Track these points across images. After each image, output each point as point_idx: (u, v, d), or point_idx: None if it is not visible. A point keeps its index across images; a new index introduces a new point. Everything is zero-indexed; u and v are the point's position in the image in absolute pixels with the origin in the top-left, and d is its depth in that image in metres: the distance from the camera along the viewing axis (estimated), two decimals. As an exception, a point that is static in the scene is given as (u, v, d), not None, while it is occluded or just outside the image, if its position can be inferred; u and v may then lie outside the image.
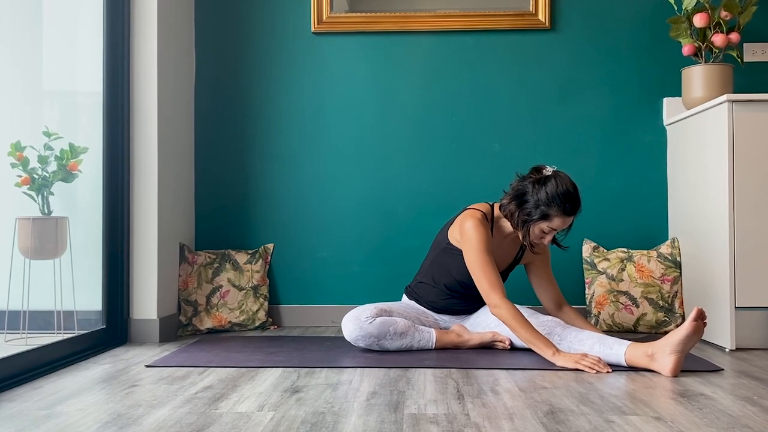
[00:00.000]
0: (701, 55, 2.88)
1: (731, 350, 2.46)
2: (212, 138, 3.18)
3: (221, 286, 2.99)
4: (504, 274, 2.56)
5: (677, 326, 2.76)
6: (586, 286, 2.96)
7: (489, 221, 2.44)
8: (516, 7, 3.12)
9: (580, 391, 1.88)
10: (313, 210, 3.15)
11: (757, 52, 3.06)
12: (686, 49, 2.89)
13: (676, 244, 2.94)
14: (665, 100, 3.08)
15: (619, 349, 2.15)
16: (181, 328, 2.91)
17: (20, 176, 2.46)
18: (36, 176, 2.48)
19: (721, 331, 2.51)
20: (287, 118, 3.17)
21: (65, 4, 2.92)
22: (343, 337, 2.55)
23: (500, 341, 2.43)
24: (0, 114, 2.68)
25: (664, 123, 3.08)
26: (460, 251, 2.44)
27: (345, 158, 3.15)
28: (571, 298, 2.82)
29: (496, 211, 2.47)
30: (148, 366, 2.23)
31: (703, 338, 2.63)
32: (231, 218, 3.17)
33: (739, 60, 2.92)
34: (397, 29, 3.13)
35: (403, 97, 3.15)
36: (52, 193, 2.52)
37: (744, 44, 3.05)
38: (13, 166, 2.45)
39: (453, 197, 3.05)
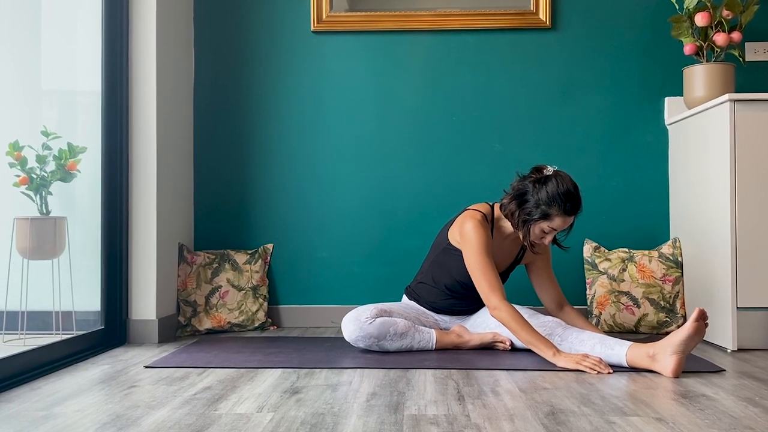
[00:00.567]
0: (703, 54, 2.87)
1: (733, 351, 2.45)
2: (211, 137, 3.17)
3: (220, 287, 2.98)
4: (505, 275, 2.55)
5: (679, 327, 2.75)
6: (587, 286, 2.95)
7: (489, 222, 2.43)
8: (516, 6, 3.11)
9: (581, 392, 1.87)
10: (313, 210, 3.14)
11: (759, 51, 3.05)
12: (688, 49, 2.88)
13: (677, 244, 2.93)
14: (666, 99, 3.07)
15: (620, 350, 2.14)
16: (180, 329, 2.90)
17: (18, 176, 2.45)
18: (34, 176, 2.47)
19: (723, 332, 2.50)
20: (287, 118, 3.16)
21: (64, 3, 2.91)
22: (343, 337, 2.54)
23: (501, 342, 2.42)
24: (-2, 113, 2.67)
25: (666, 122, 3.07)
26: (461, 252, 2.43)
27: (345, 158, 3.14)
28: (572, 299, 2.81)
29: (497, 212, 2.46)
30: (147, 367, 2.22)
31: (704, 339, 2.62)
32: (230, 218, 3.16)
33: (740, 59, 2.91)
34: (397, 28, 3.12)
35: (403, 97, 3.14)
36: (51, 193, 2.51)
37: (746, 43, 3.04)
38: (11, 165, 2.44)
39: (453, 197, 3.04)
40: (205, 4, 3.17)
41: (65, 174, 2.53)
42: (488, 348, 2.45)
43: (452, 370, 2.14)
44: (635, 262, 2.92)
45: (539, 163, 2.38)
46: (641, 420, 1.61)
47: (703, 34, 2.85)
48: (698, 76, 2.82)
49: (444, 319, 2.60)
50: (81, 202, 2.79)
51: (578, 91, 3.11)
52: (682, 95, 2.98)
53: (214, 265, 3.01)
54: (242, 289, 3.01)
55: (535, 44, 3.12)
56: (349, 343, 2.47)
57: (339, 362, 2.26)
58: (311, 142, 3.15)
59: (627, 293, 2.87)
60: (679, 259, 2.90)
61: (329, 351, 2.46)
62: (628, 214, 3.08)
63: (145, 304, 2.69)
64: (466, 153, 3.11)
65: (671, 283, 2.87)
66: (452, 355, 2.35)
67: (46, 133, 2.50)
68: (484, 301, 2.34)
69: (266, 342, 2.66)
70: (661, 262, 2.90)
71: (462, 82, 3.13)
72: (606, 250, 2.98)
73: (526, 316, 2.34)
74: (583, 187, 2.38)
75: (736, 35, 2.80)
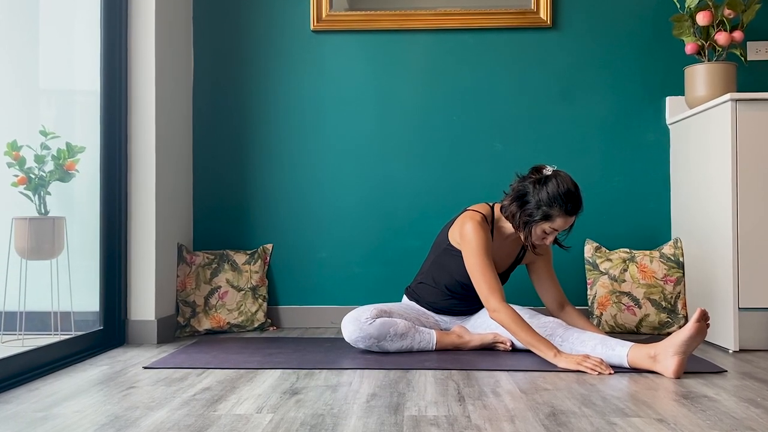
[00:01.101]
0: (704, 53, 2.86)
1: (734, 351, 2.44)
2: (210, 137, 3.16)
3: (220, 287, 2.97)
4: (505, 275, 2.55)
5: (680, 327, 2.74)
6: (588, 286, 2.94)
7: (489, 223, 2.42)
8: (517, 5, 3.10)
9: (582, 392, 1.86)
10: (313, 210, 3.13)
11: (761, 50, 3.04)
12: (689, 48, 2.87)
13: (678, 244, 2.92)
14: (668, 98, 3.06)
15: (621, 351, 2.13)
16: (179, 330, 2.89)
17: (17, 176, 2.45)
18: (33, 176, 2.47)
19: (725, 333, 2.49)
20: (286, 117, 3.15)
21: (62, 2, 2.90)
22: (343, 338, 2.53)
23: (501, 342, 2.41)
24: (-3, 113, 2.66)
25: (667, 122, 3.06)
26: (461, 252, 2.42)
27: (344, 158, 3.13)
28: (573, 299, 2.80)
29: (497, 212, 2.45)
30: (145, 367, 2.21)
31: (706, 339, 2.61)
32: (229, 218, 3.15)
33: (742, 58, 2.90)
34: (397, 27, 3.11)
35: (403, 96, 3.13)
36: (49, 193, 2.50)
37: (747, 42, 3.03)
38: (9, 165, 2.43)
39: (453, 197, 3.03)
40: (205, 4, 3.16)
41: (64, 174, 2.52)
42: (489, 349, 2.44)
43: (453, 371, 2.13)
44: (636, 263, 2.91)
45: (539, 163, 2.37)
46: (642, 421, 1.60)
47: (705, 33, 2.84)
48: (700, 76, 2.81)
49: (444, 320, 2.60)
50: (80, 202, 2.78)
51: (579, 91, 3.10)
52: (683, 95, 2.97)
53: (214, 266, 3.00)
54: (241, 290, 3.00)
55: (536, 43, 3.11)
56: (348, 343, 2.47)
57: (339, 363, 2.25)
58: (311, 142, 3.14)
59: (628, 294, 2.86)
60: (681, 259, 2.89)
61: (329, 352, 2.45)
62: (629, 214, 3.07)
63: (144, 304, 2.68)
64: (467, 153, 3.10)
65: (672, 284, 2.86)
66: (453, 356, 2.34)
67: (44, 133, 2.49)
68: (484, 303, 2.33)
69: (266, 343, 2.65)
70: (662, 262, 2.89)
71: (462, 82, 3.12)
72: (607, 251, 2.97)
73: (526, 317, 2.34)
74: (584, 186, 2.37)
75: (737, 34, 2.79)
